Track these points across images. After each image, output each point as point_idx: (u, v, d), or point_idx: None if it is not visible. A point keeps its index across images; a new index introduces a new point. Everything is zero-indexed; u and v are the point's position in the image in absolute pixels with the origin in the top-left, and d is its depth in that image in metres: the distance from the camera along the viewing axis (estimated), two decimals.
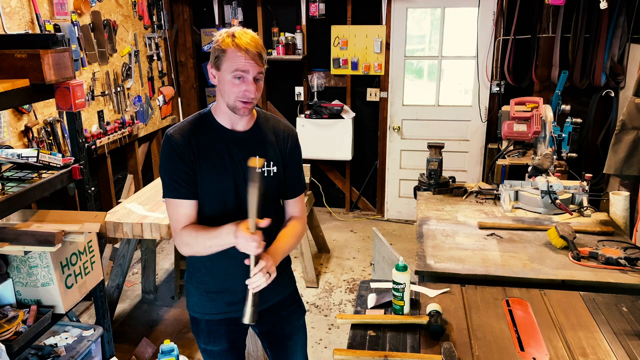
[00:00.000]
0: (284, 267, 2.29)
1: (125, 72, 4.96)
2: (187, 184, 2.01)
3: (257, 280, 1.87)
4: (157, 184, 4.34)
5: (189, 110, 6.29)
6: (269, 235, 1.99)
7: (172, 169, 2.00)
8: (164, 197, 2.06)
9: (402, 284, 2.07)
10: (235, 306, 2.12)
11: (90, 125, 4.46)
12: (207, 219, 2.06)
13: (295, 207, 2.25)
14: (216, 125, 2.06)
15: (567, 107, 3.99)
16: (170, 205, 2.05)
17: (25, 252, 2.71)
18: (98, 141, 4.45)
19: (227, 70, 1.93)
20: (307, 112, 5.94)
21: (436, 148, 3.64)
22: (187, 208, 2.03)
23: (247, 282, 1.88)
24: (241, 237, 1.83)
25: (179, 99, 6.22)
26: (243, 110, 1.99)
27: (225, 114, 2.05)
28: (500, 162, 4.54)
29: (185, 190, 2.01)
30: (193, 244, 2.00)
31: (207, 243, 1.97)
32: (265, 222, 1.87)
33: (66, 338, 3.10)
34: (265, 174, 2.10)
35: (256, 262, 1.89)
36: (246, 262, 1.91)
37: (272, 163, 2.12)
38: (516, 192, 3.32)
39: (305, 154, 3.10)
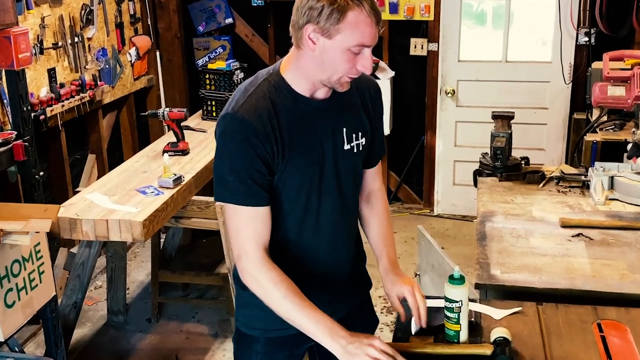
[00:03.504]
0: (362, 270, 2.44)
1: (85, 17, 4.98)
2: (264, 185, 1.97)
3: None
4: (126, 167, 4.33)
5: (171, 67, 6.27)
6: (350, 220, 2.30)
7: (245, 165, 1.93)
8: (225, 201, 2.00)
9: (457, 302, 2.07)
10: None
11: (38, 88, 4.49)
12: (284, 217, 2.07)
13: (376, 177, 2.37)
14: (293, 94, 2.01)
15: None
16: (239, 214, 1.99)
17: None
18: (49, 109, 4.46)
19: (345, 41, 1.87)
20: None
21: (504, 119, 3.63)
22: (266, 218, 2.00)
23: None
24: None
25: (158, 53, 6.22)
26: (347, 85, 1.99)
27: (306, 81, 2.00)
28: (589, 137, 4.51)
29: (264, 193, 1.97)
30: (271, 300, 1.98)
31: (290, 315, 1.96)
32: None
33: None
34: (355, 150, 2.13)
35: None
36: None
37: (360, 134, 2.15)
38: (611, 178, 3.30)
39: None
